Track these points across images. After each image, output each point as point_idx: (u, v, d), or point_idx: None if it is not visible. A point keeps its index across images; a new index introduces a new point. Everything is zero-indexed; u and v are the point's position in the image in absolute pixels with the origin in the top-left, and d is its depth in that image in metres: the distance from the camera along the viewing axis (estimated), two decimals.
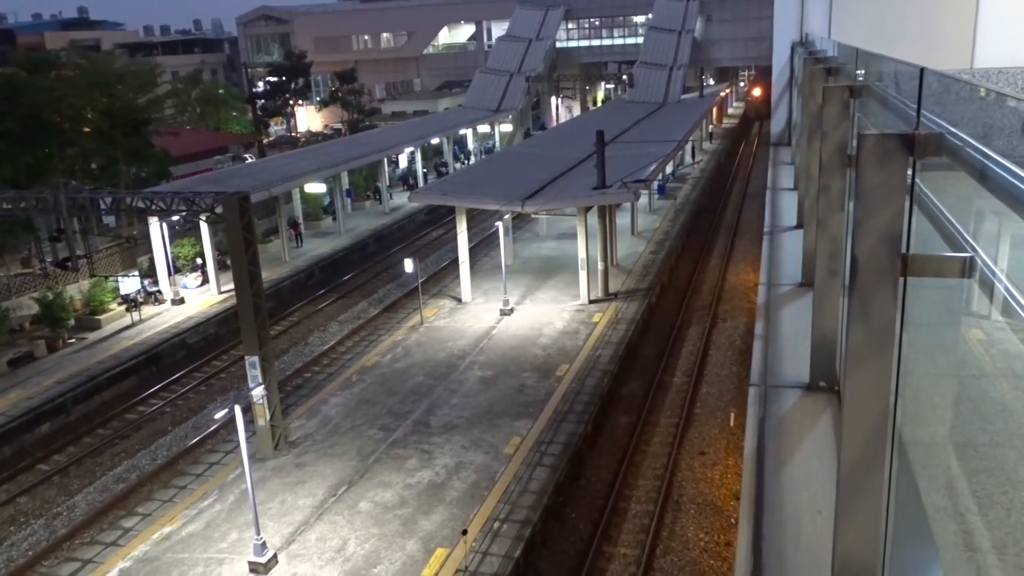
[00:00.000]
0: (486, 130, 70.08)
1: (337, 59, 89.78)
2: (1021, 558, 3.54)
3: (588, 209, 32.29)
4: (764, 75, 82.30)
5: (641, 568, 17.76)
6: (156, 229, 34.49)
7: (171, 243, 35.92)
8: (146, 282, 34.42)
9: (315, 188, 44.90)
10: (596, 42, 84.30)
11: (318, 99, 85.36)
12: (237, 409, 17.00)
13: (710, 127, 78.62)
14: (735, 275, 38.17)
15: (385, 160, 51.96)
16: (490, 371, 26.70)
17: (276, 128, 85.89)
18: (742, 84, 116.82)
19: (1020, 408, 3.78)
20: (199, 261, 36.94)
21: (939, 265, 3.71)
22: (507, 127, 71.11)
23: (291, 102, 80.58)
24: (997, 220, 3.67)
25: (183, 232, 39.21)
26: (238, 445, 17.71)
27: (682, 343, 30.62)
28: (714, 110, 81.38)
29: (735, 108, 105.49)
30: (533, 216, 41.59)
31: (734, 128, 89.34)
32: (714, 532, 19.09)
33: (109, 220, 42.69)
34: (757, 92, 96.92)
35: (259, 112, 73.95)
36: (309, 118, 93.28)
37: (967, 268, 3.57)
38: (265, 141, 72.23)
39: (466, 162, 64.23)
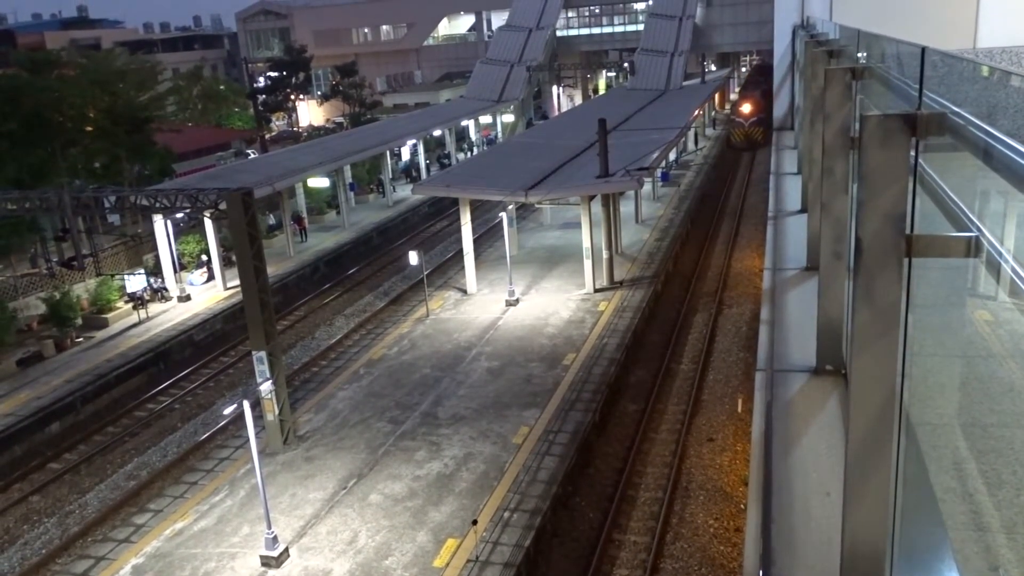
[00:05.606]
0: (488, 120, 69.89)
1: (337, 53, 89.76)
2: None
3: (592, 198, 32.24)
4: (758, 84, 65.21)
5: (651, 555, 17.81)
6: (160, 226, 34.53)
7: (176, 240, 35.98)
8: (152, 280, 34.52)
9: (318, 182, 44.92)
10: (596, 30, 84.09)
11: (319, 93, 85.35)
12: (246, 404, 17.07)
13: (713, 113, 78.28)
14: (740, 261, 38.10)
15: (388, 153, 51.91)
16: (497, 362, 26.73)
17: (278, 123, 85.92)
18: (744, 70, 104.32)
19: None
20: (204, 258, 37.00)
21: (944, 245, 3.70)
22: (509, 117, 70.98)
23: (292, 97, 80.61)
24: (1003, 199, 3.66)
25: (188, 229, 39.29)
26: (247, 440, 17.79)
27: (688, 330, 30.60)
28: (716, 96, 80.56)
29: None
30: (537, 206, 41.54)
31: None
32: (724, 518, 19.12)
33: (113, 218, 42.84)
34: (748, 108, 64.51)
35: (260, 107, 73.94)
36: (311, 112, 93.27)
37: (972, 248, 3.56)
38: (267, 136, 72.23)
39: (469, 153, 64.12)
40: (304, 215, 44.58)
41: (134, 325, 32.09)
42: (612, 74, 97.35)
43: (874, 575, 4.09)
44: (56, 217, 28.05)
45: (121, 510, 20.78)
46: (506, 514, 18.33)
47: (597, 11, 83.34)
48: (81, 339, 30.88)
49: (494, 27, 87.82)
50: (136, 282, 33.50)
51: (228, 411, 17.67)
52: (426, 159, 59.33)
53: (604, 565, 17.81)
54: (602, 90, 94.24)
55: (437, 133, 60.16)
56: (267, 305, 21.28)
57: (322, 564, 17.07)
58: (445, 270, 38.36)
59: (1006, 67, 3.44)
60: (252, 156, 60.54)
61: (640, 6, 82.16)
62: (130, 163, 43.46)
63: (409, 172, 58.92)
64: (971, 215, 3.85)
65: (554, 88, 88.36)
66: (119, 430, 25.57)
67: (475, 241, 35.52)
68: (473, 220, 35.15)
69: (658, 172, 45.48)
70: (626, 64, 78.39)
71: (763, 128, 58.87)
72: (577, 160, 37.24)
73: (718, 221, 46.06)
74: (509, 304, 31.77)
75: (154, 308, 33.43)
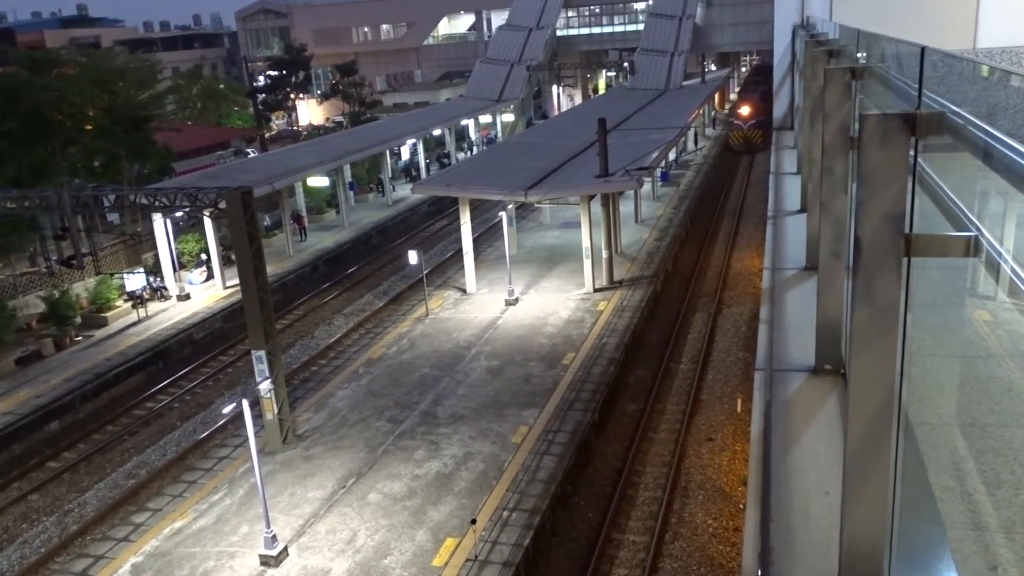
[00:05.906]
0: (488, 120, 69.86)
1: (337, 52, 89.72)
2: None
3: (591, 197, 32.24)
4: (757, 85, 64.73)
5: (650, 554, 17.81)
6: (160, 225, 34.51)
7: (175, 239, 35.96)
8: (151, 278, 34.50)
9: (318, 181, 44.91)
10: (596, 29, 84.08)
11: (319, 92, 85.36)
12: (245, 403, 17.06)
13: (712, 113, 78.23)
14: (739, 261, 38.10)
15: (387, 152, 51.89)
16: (496, 361, 26.73)
17: (278, 122, 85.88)
18: (744, 70, 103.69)
19: None
20: (204, 256, 36.99)
21: (943, 244, 3.70)
22: (509, 117, 70.93)
23: (292, 96, 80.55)
24: (1002, 199, 3.66)
25: (187, 228, 39.27)
26: (247, 439, 17.78)
27: (688, 330, 30.60)
28: (716, 96, 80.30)
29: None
30: (536, 205, 41.54)
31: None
32: (723, 518, 19.13)
33: (113, 217, 42.86)
34: (746, 110, 63.16)
35: (260, 106, 73.92)
36: (310, 111, 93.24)
37: (971, 247, 3.56)
38: (267, 135, 72.21)
39: (468, 153, 64.12)
40: (304, 214, 44.58)
41: (133, 324, 32.08)
42: (612, 74, 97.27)
43: (873, 574, 4.09)
44: (55, 216, 28.02)
45: (120, 509, 20.78)
46: (505, 513, 18.33)
47: (597, 11, 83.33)
48: (80, 338, 30.87)
49: (494, 27, 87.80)
50: (135, 281, 33.48)
51: (227, 410, 17.67)
52: (426, 158, 59.30)
53: (603, 564, 17.81)
54: (602, 90, 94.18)
55: (437, 132, 60.17)
56: (266, 304, 21.27)
57: (321, 563, 17.07)
58: (444, 269, 38.35)
59: (1006, 67, 3.43)
60: (252, 155, 60.52)
61: (640, 6, 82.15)
62: (129, 162, 43.44)
63: (409, 171, 58.89)
64: (970, 215, 3.85)
65: (554, 88, 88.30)
66: (118, 429, 25.56)
67: (475, 240, 35.52)
68: (473, 219, 35.14)
69: (658, 172, 45.50)
70: (626, 64, 78.31)
71: (762, 131, 58.08)
72: (577, 160, 37.23)
73: (717, 221, 46.06)
74: (508, 304, 31.76)
75: (153, 307, 33.42)
